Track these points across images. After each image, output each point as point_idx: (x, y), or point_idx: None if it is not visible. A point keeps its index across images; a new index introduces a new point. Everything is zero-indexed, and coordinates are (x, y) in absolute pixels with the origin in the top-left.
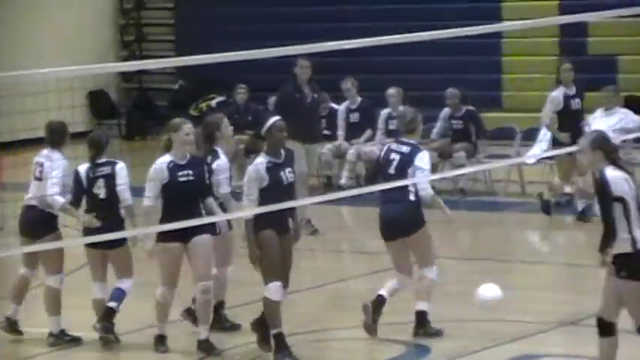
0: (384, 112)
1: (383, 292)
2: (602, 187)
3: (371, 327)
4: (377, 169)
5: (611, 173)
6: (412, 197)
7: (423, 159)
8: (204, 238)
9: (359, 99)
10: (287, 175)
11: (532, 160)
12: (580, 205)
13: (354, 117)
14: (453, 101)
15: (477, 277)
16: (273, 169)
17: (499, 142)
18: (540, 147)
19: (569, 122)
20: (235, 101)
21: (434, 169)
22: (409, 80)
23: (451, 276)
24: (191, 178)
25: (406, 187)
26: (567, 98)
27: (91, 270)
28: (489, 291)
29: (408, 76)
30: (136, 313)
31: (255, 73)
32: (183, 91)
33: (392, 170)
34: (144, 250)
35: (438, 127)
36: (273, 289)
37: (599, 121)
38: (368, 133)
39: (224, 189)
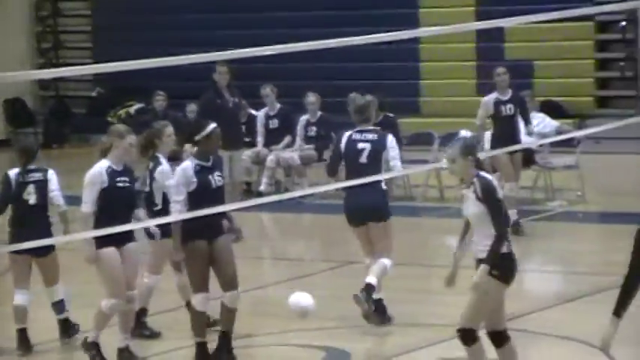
0: (303, 119)
1: (369, 279)
2: (491, 192)
3: (370, 314)
4: (338, 161)
5: (486, 179)
6: (383, 186)
7: (393, 142)
8: (133, 246)
9: (278, 105)
10: (215, 178)
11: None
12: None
13: (273, 123)
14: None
15: (396, 283)
16: (201, 172)
17: (417, 148)
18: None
19: (501, 128)
20: (154, 108)
21: None
22: (328, 86)
23: None
24: (127, 184)
25: (378, 174)
26: (498, 103)
27: (16, 277)
28: (303, 299)
29: (326, 82)
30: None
31: (173, 80)
32: (101, 99)
33: (364, 159)
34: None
35: None
36: (199, 300)
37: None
38: (287, 139)
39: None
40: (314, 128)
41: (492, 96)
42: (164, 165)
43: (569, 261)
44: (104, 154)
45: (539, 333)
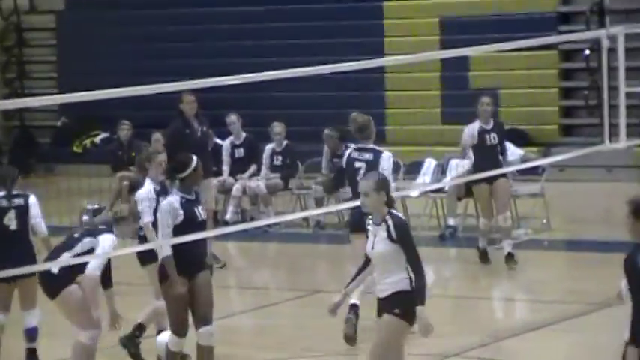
0: (269, 148)
1: (354, 299)
2: (406, 231)
3: (353, 338)
4: (341, 177)
5: (400, 217)
6: None
7: (388, 162)
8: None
9: (243, 134)
10: (200, 211)
11: (416, 193)
12: (507, 246)
13: (239, 152)
14: (333, 142)
15: (362, 311)
16: (187, 205)
17: None
18: (424, 180)
19: (483, 157)
20: (119, 137)
21: (320, 203)
22: (293, 116)
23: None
24: None
25: None
26: (483, 132)
27: None
28: None
29: (292, 111)
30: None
31: (138, 109)
32: (66, 129)
33: (360, 178)
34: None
35: (324, 163)
36: (174, 342)
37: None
38: (253, 168)
39: (144, 219)
40: (280, 157)
41: (475, 125)
42: (144, 188)
43: (534, 289)
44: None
45: None
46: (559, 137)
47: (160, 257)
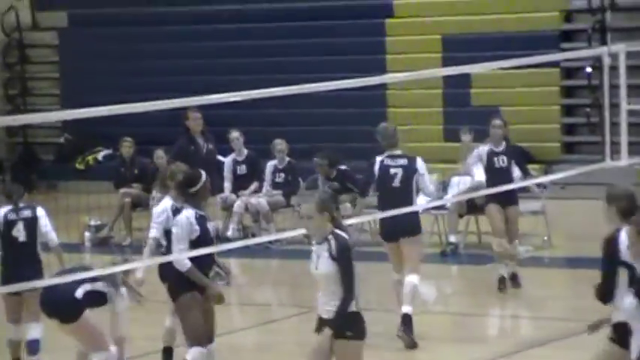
0: (271, 165)
1: (405, 309)
2: (346, 251)
3: (413, 344)
4: (369, 184)
5: (343, 237)
6: (415, 205)
7: (423, 166)
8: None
9: (245, 151)
10: (212, 227)
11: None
12: (504, 268)
13: (241, 169)
14: (323, 170)
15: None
16: (201, 221)
17: None
18: (426, 197)
19: (495, 179)
20: (121, 154)
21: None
22: (296, 133)
23: None
24: None
25: (410, 195)
26: (492, 154)
27: (9, 312)
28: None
29: (294, 128)
30: None
31: (140, 126)
32: (68, 145)
33: (397, 183)
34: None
35: (320, 187)
36: (196, 355)
37: (483, 171)
38: (255, 185)
39: (151, 233)
40: (282, 174)
41: (486, 147)
42: (161, 203)
43: (536, 306)
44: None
45: None
46: (560, 154)
47: (180, 270)
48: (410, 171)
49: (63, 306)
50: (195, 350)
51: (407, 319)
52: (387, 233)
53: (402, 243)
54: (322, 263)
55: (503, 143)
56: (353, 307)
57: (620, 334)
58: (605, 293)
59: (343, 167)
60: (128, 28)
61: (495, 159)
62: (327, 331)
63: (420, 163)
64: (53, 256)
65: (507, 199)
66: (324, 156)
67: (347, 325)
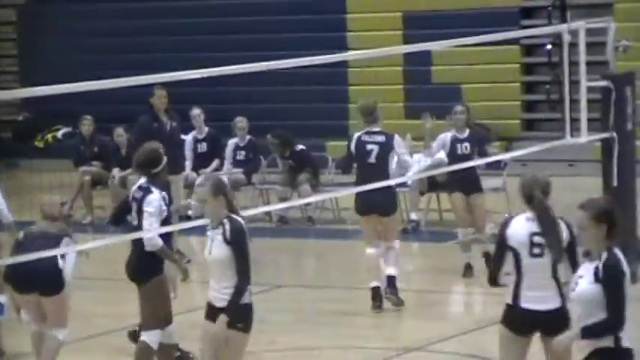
0: (232, 142)
1: (375, 282)
2: (241, 236)
3: (400, 303)
4: (350, 161)
5: (237, 221)
6: (391, 182)
7: (400, 143)
8: None
9: (206, 129)
10: (171, 208)
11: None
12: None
13: (202, 147)
14: (275, 148)
15: (324, 305)
16: (168, 202)
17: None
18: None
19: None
20: (81, 132)
21: (283, 198)
22: (256, 110)
23: (298, 304)
24: None
25: (386, 172)
26: (455, 141)
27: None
28: None
29: (255, 105)
30: None
31: (101, 104)
32: (27, 123)
33: (372, 159)
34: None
35: (279, 164)
36: (152, 338)
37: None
38: (215, 163)
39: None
40: (243, 152)
41: (449, 133)
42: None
43: None
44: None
45: (465, 355)
46: (521, 132)
47: (152, 249)
48: (386, 148)
49: (48, 278)
50: (152, 333)
51: (392, 281)
52: (362, 207)
53: (379, 220)
54: (216, 247)
55: (467, 130)
56: (247, 299)
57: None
58: (491, 277)
59: (299, 147)
60: (87, 4)
61: (458, 145)
62: (223, 319)
63: (397, 140)
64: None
65: (471, 187)
66: (276, 135)
67: (239, 316)
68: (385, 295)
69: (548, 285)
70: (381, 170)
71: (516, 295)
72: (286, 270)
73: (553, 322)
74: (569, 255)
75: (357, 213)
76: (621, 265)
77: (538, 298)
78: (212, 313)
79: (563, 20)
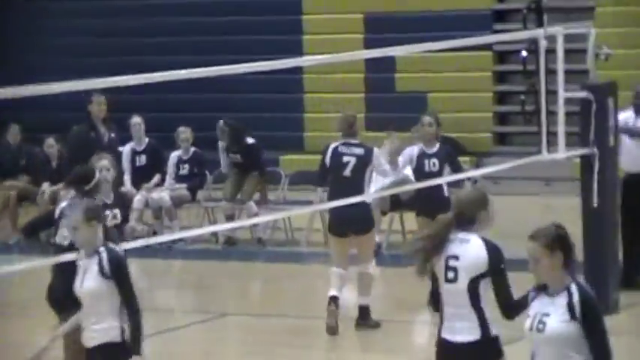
0: (174, 155)
1: (334, 292)
2: (123, 266)
3: (334, 328)
4: (325, 173)
5: (116, 251)
6: (368, 200)
7: (379, 158)
8: None
9: (146, 139)
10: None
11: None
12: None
13: (141, 160)
14: (224, 136)
15: (275, 337)
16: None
17: (301, 188)
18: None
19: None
20: (7, 142)
21: (230, 217)
22: (202, 120)
23: (245, 335)
24: None
25: (362, 187)
26: (422, 157)
27: None
28: None
29: (201, 114)
30: None
31: (30, 110)
32: None
33: (347, 172)
34: None
35: (222, 161)
36: None
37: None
38: (156, 178)
39: None
40: (186, 166)
41: (417, 147)
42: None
43: None
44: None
45: None
46: (493, 146)
47: None
48: (364, 161)
49: None
50: None
51: (364, 312)
52: (338, 227)
53: (353, 240)
54: (89, 280)
55: (437, 144)
56: (118, 338)
57: None
58: (432, 303)
59: (250, 141)
60: (23, 2)
61: (426, 161)
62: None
63: (377, 156)
64: None
65: (438, 209)
66: (229, 123)
67: (109, 356)
68: (357, 326)
69: (466, 314)
70: (356, 185)
71: (440, 324)
72: (233, 296)
73: (470, 355)
74: (495, 284)
75: (330, 233)
76: (595, 298)
77: (455, 329)
78: (90, 356)
79: (540, 25)
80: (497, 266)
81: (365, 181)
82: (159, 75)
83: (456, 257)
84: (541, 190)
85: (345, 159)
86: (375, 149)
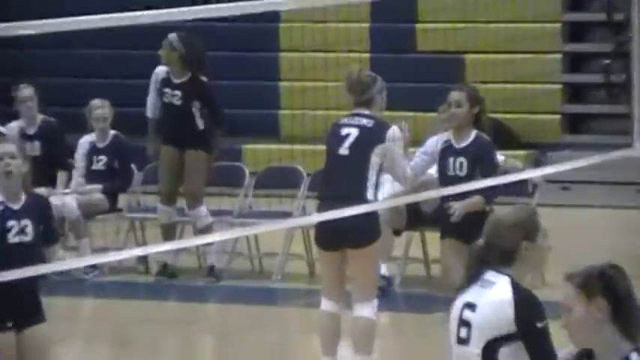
0: (85, 142)
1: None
2: None
3: None
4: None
5: None
6: (370, 194)
7: (396, 146)
8: None
9: (40, 117)
10: None
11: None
12: None
13: (34, 148)
14: (169, 57)
15: None
16: None
17: (274, 192)
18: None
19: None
20: None
21: (169, 233)
22: (125, 89)
23: None
24: None
25: (364, 175)
26: (447, 152)
27: None
28: None
29: (123, 81)
30: None
31: None
32: None
33: (344, 150)
34: None
35: (150, 98)
36: None
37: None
38: (59, 175)
39: None
40: (103, 158)
41: (442, 137)
42: None
43: None
44: None
45: None
46: (562, 134)
47: None
48: (371, 137)
49: None
50: None
51: None
52: (325, 235)
53: (348, 255)
54: None
55: (472, 134)
56: None
57: None
58: None
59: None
60: None
61: (451, 160)
62: None
63: (392, 132)
64: None
65: (470, 229)
66: (182, 37)
67: None
68: None
69: None
70: (355, 169)
71: None
72: (170, 355)
73: None
74: (530, 351)
75: (317, 246)
76: None
77: None
78: None
79: None
80: (530, 326)
81: (370, 166)
82: (54, 22)
83: (473, 307)
84: (631, 201)
85: (344, 131)
86: (395, 128)
